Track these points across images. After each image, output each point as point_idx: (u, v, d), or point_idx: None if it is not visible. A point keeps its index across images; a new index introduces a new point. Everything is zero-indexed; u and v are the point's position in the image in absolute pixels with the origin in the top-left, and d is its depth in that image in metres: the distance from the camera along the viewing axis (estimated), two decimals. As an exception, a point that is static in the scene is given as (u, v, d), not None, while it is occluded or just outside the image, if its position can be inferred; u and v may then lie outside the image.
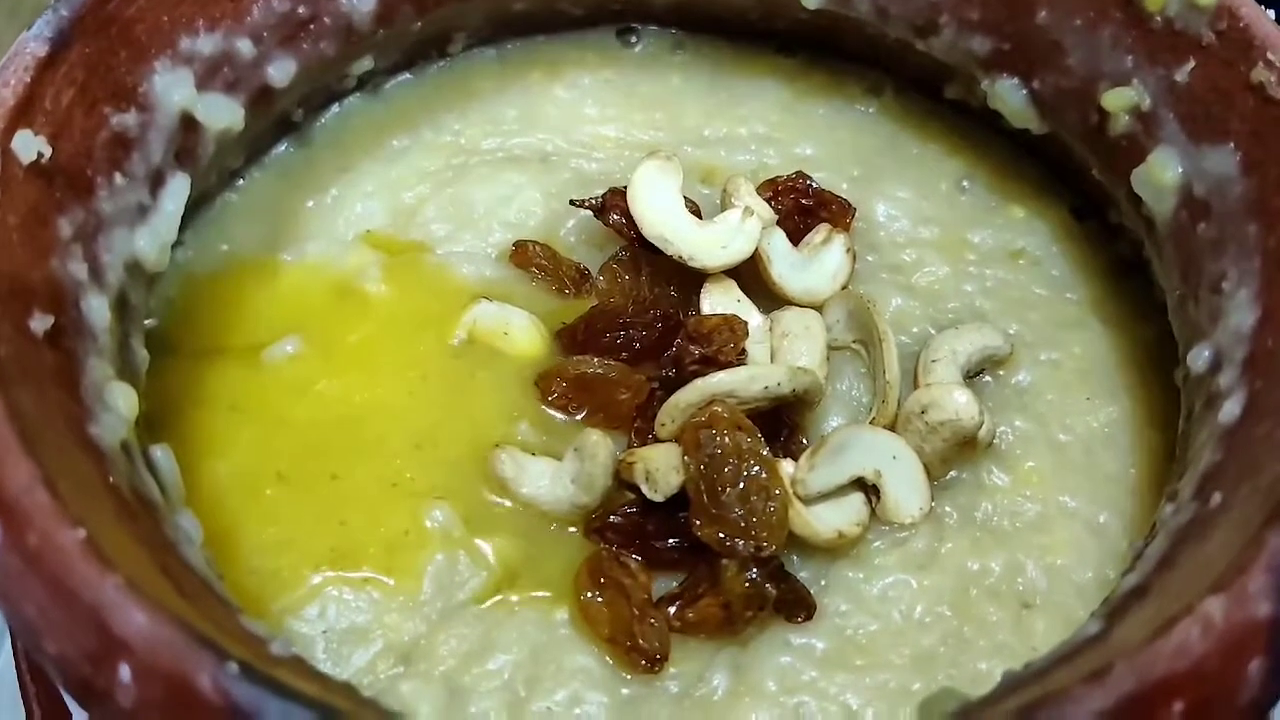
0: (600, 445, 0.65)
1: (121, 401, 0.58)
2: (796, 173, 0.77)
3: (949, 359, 0.70)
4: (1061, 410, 0.71)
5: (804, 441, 0.69)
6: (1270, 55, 0.63)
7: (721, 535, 0.62)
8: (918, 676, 0.61)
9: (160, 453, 0.61)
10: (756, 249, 0.72)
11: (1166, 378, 0.70)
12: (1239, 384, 0.60)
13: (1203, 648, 0.46)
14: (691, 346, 0.69)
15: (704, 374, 0.66)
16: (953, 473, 0.68)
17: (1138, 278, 0.76)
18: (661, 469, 0.64)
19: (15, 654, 0.71)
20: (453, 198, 0.78)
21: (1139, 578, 0.55)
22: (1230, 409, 0.59)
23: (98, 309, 0.59)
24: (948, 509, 0.67)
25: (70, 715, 0.67)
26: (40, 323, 0.56)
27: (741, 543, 0.62)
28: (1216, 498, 0.56)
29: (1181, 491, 0.59)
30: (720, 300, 0.72)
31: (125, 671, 0.46)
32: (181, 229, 0.69)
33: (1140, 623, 0.50)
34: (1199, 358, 0.63)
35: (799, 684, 0.61)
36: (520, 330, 0.72)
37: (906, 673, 0.62)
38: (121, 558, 0.48)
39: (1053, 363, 0.73)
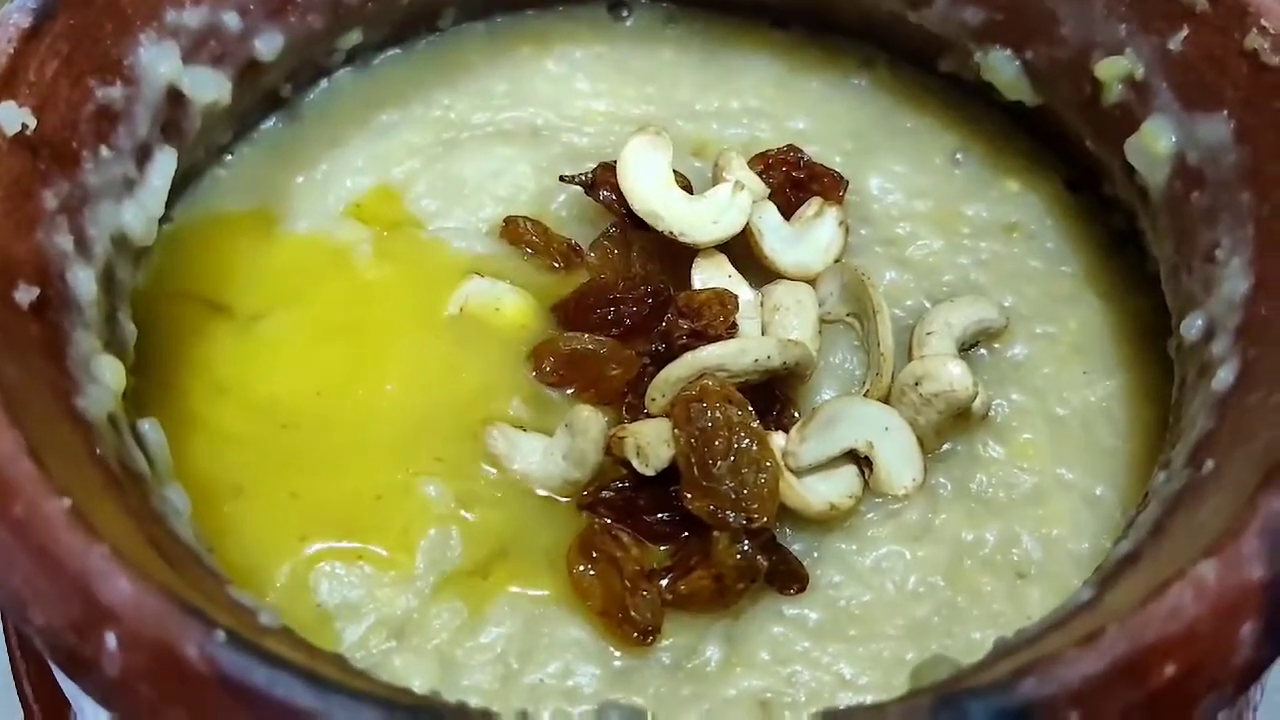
0: (591, 421, 0.65)
1: (108, 374, 0.57)
2: (788, 146, 0.77)
3: (944, 331, 0.70)
4: (1058, 384, 0.71)
5: (796, 415, 0.68)
6: (1264, 21, 0.62)
7: (713, 508, 0.62)
8: (911, 646, 0.61)
9: (148, 426, 0.61)
10: (748, 223, 0.72)
11: (1162, 350, 0.70)
12: (1232, 352, 0.59)
13: (1195, 611, 0.46)
14: (681, 321, 0.68)
15: (694, 348, 0.66)
16: (947, 445, 0.68)
17: (1131, 250, 0.75)
18: (652, 443, 0.64)
19: (9, 649, 0.71)
20: (443, 173, 0.78)
21: (1131, 545, 0.55)
22: (1223, 377, 0.59)
23: (84, 282, 0.59)
24: (942, 480, 0.67)
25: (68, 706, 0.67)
26: (25, 294, 0.56)
27: (733, 515, 0.61)
28: (1209, 465, 0.55)
29: (1174, 460, 0.59)
30: (711, 275, 0.72)
31: (111, 640, 0.45)
32: (169, 203, 0.68)
33: (1133, 588, 0.50)
34: (1192, 327, 0.63)
35: (792, 654, 0.61)
36: (511, 306, 0.72)
37: (900, 643, 0.62)
38: (108, 527, 0.48)
39: (1048, 336, 0.73)
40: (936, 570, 0.64)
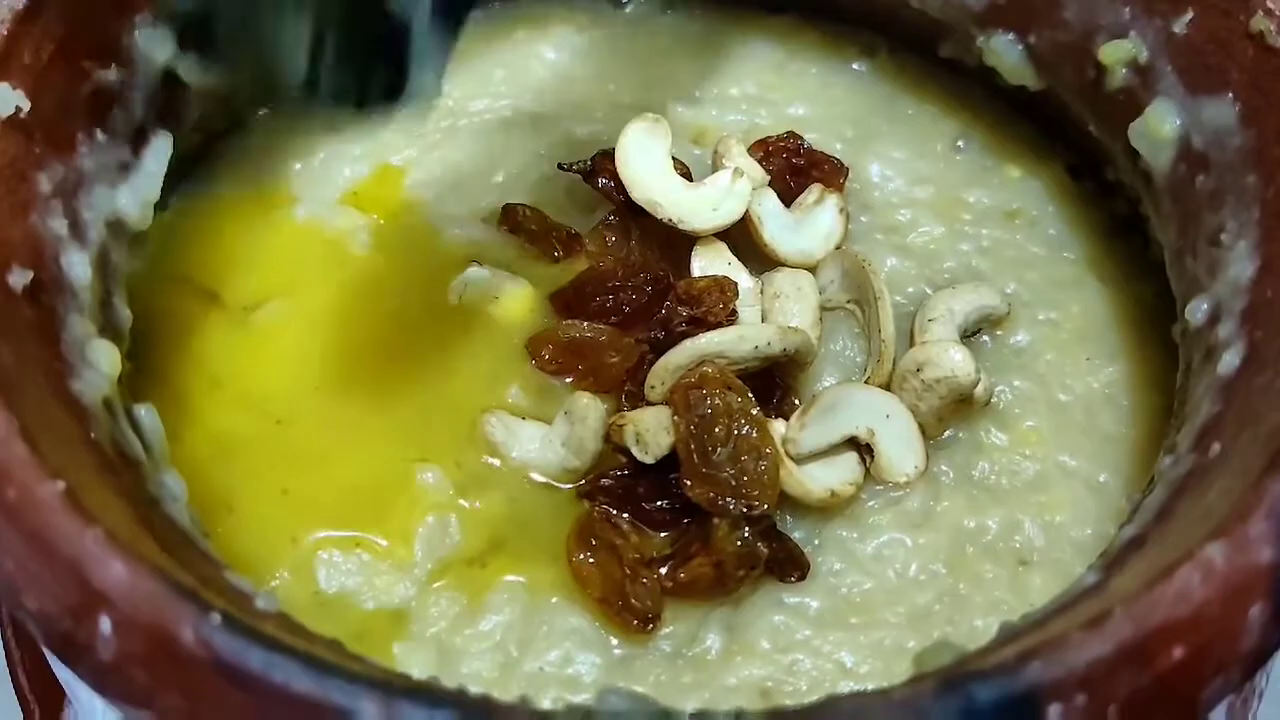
0: (591, 408, 0.65)
1: (103, 359, 0.57)
2: (788, 132, 0.76)
3: (946, 318, 0.69)
4: (1061, 370, 0.71)
5: (796, 403, 0.68)
6: (1270, 3, 0.61)
7: (713, 495, 0.61)
8: (913, 634, 0.61)
9: (144, 411, 0.60)
10: (747, 210, 0.71)
11: (1164, 336, 0.70)
12: (1238, 335, 0.59)
13: (1203, 593, 0.45)
14: (681, 308, 0.68)
15: (693, 335, 0.65)
16: (949, 432, 0.68)
17: (1134, 236, 0.75)
18: (652, 430, 0.64)
19: (4, 639, 0.70)
20: (441, 160, 0.77)
21: (1137, 529, 0.55)
22: (1229, 360, 0.58)
23: (78, 266, 0.59)
24: (944, 468, 0.67)
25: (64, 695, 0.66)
26: (19, 278, 0.55)
27: (733, 502, 0.61)
28: (1215, 448, 0.55)
29: (1180, 444, 0.58)
30: (711, 263, 0.71)
31: (106, 624, 0.45)
32: (166, 189, 0.68)
33: (1139, 572, 0.49)
34: (1197, 310, 0.62)
35: (793, 642, 0.61)
36: (510, 294, 0.71)
37: (902, 630, 0.61)
38: (102, 511, 0.47)
39: (1051, 323, 0.72)
40: (938, 558, 0.64)
